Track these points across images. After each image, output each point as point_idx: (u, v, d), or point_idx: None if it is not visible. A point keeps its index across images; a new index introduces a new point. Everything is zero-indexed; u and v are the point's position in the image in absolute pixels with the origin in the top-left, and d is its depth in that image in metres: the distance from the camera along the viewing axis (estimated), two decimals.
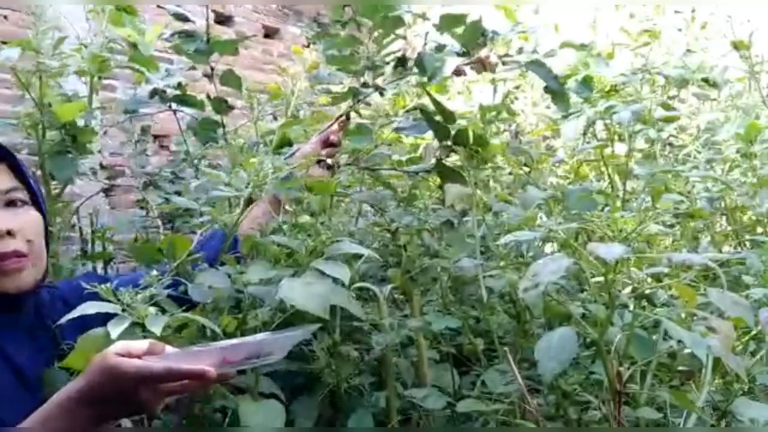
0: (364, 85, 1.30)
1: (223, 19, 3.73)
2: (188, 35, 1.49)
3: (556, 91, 1.29)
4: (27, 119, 1.45)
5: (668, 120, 1.54)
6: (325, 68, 1.45)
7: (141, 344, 0.79)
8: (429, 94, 1.28)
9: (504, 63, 1.31)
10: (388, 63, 1.29)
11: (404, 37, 1.33)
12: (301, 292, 0.89)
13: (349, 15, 1.31)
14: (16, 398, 0.92)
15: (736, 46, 1.87)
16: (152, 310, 0.84)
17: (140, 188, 2.05)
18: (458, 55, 1.27)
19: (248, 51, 3.73)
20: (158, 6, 3.07)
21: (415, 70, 1.27)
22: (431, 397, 1.07)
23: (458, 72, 1.29)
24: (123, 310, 0.83)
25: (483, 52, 1.27)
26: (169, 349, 0.80)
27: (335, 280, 0.94)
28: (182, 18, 1.57)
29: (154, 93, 1.61)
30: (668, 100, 1.70)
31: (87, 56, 1.47)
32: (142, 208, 2.17)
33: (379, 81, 1.29)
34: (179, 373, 0.76)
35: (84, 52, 1.49)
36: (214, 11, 3.54)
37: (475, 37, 1.24)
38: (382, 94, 1.31)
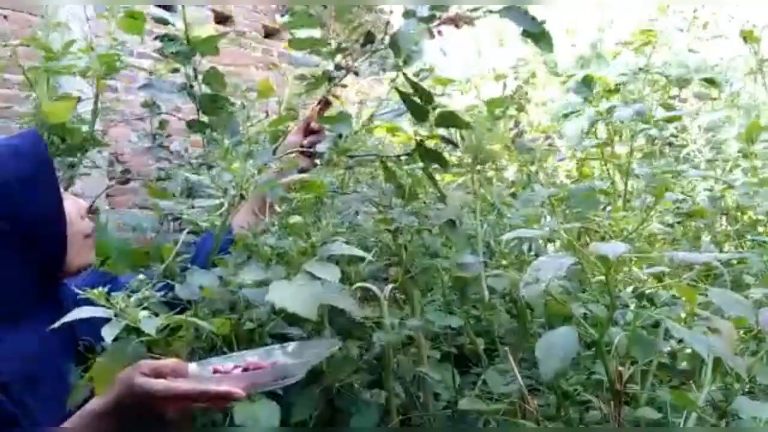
0: (337, 67, 1.27)
1: (222, 19, 3.72)
2: (170, 38, 1.49)
3: (534, 33, 1.19)
4: (32, 119, 1.46)
5: (669, 120, 1.54)
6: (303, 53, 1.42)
7: (167, 363, 0.80)
8: (405, 75, 1.21)
9: (476, 16, 1.25)
10: (357, 41, 1.25)
11: (371, 10, 1.29)
12: (289, 294, 0.88)
13: None
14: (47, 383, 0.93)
15: (745, 37, 1.87)
16: (144, 312, 0.84)
17: (153, 183, 2.03)
18: (423, 20, 1.21)
19: (248, 51, 3.73)
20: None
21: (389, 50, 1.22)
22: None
23: (431, 34, 1.23)
24: (116, 315, 0.82)
25: (452, 10, 1.22)
26: (191, 367, 0.83)
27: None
28: (161, 21, 1.57)
29: (183, 87, 1.60)
30: (669, 99, 1.70)
31: (95, 56, 1.48)
32: (142, 207, 2.17)
33: (351, 61, 1.24)
34: (208, 394, 0.78)
35: (92, 53, 1.49)
36: (213, 11, 3.53)
37: None
38: (357, 74, 1.27)
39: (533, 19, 1.20)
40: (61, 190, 1.05)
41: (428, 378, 1.11)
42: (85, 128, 1.52)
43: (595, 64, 1.66)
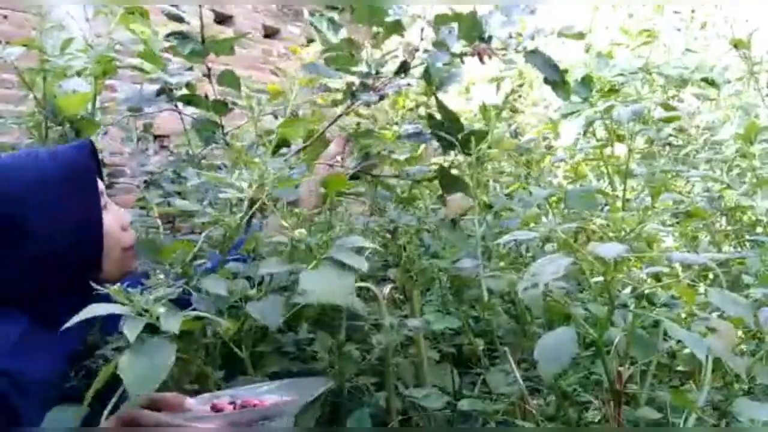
0: (364, 85, 1.29)
1: (222, 19, 3.72)
2: (183, 36, 1.48)
3: (555, 81, 1.24)
4: (30, 119, 1.46)
5: (668, 120, 1.54)
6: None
7: (165, 396, 0.80)
8: (438, 101, 1.25)
9: (502, 56, 1.28)
10: (387, 62, 1.28)
11: (401, 35, 1.32)
12: (322, 284, 0.89)
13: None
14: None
15: (736, 45, 1.87)
16: (163, 309, 0.83)
17: (141, 188, 2.03)
18: (454, 55, 1.24)
19: (248, 51, 3.72)
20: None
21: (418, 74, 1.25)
22: (431, 396, 1.07)
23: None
24: (138, 314, 0.81)
25: (481, 45, 1.24)
26: (188, 401, 0.81)
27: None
28: (177, 18, 1.56)
29: (161, 91, 1.60)
30: (668, 99, 1.70)
31: (93, 57, 1.47)
32: (142, 207, 2.16)
33: (380, 83, 1.28)
34: None
35: (90, 53, 1.48)
36: (213, 11, 3.53)
37: (473, 31, 1.21)
38: (382, 98, 1.30)
39: (555, 66, 1.22)
40: (105, 201, 1.07)
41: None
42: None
43: (593, 64, 1.66)
